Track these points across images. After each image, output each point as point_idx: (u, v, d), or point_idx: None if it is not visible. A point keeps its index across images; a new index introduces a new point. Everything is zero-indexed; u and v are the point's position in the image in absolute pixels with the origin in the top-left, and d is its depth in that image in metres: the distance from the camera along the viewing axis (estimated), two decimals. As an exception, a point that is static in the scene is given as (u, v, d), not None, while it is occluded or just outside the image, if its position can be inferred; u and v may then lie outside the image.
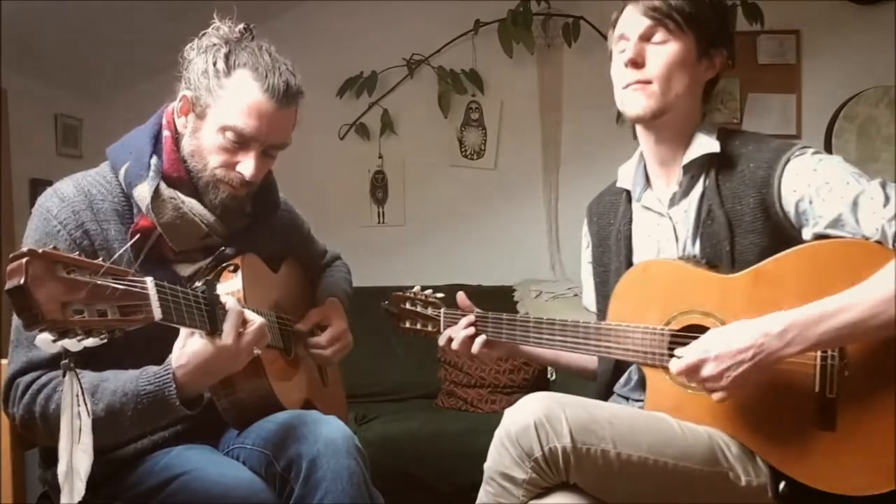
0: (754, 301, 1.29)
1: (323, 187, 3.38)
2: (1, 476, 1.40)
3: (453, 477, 2.44)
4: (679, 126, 1.43)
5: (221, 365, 1.26)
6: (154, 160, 1.40)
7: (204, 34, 1.43)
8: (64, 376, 1.04)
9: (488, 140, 3.46)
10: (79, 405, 1.05)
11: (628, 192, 1.53)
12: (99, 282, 0.98)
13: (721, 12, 1.45)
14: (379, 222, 3.53)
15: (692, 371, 1.25)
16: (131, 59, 3.30)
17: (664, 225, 1.46)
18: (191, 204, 1.41)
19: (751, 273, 1.31)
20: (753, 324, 1.23)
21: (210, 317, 1.22)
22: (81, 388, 1.06)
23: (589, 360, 1.61)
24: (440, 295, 1.68)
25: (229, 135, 1.38)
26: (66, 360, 1.00)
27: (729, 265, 1.35)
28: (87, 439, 1.05)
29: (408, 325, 1.71)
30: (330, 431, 1.33)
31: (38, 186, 3.05)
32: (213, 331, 1.23)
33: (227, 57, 1.38)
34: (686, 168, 1.42)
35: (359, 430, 2.53)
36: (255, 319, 1.28)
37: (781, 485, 1.28)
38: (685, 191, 1.44)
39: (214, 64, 1.38)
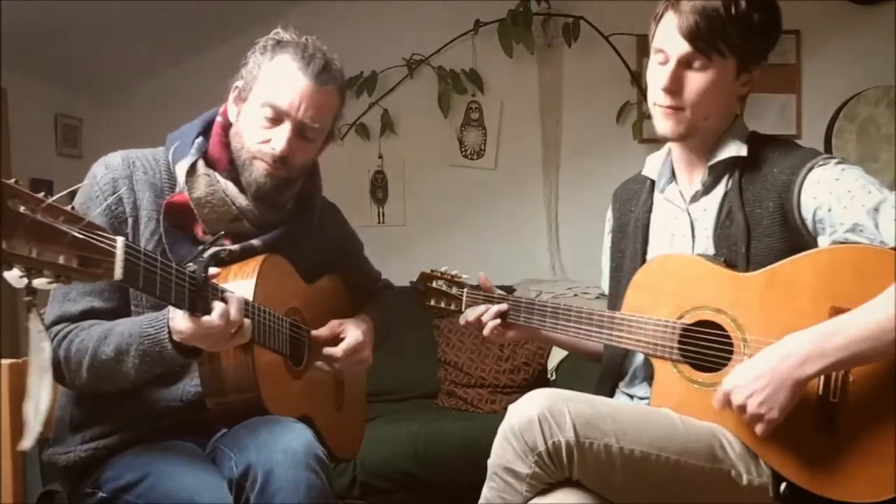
0: (767, 301, 1.30)
1: (323, 187, 3.37)
2: (1, 476, 1.40)
3: (453, 477, 2.44)
4: (708, 135, 1.43)
5: (199, 341, 1.27)
6: (199, 140, 1.48)
7: (262, 39, 1.51)
8: (29, 312, 1.03)
9: (488, 140, 3.46)
10: (42, 341, 1.05)
11: (653, 182, 1.54)
12: (57, 225, 0.99)
13: (767, 29, 1.40)
14: (379, 222, 3.53)
15: (725, 404, 1.27)
16: (131, 60, 3.30)
17: (682, 220, 1.47)
18: (225, 184, 1.46)
19: (766, 273, 1.31)
20: (771, 350, 1.23)
21: (192, 298, 1.23)
22: (44, 326, 1.06)
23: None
24: (466, 276, 1.71)
25: (265, 110, 1.42)
26: (28, 298, 1.01)
27: (744, 267, 1.35)
28: (48, 375, 1.06)
29: (433, 302, 1.73)
30: (291, 441, 1.29)
31: (38, 186, 3.03)
32: (192, 311, 1.24)
33: (273, 47, 1.47)
34: (711, 169, 1.43)
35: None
36: (236, 299, 1.29)
37: (782, 486, 1.28)
38: (707, 189, 1.45)
39: (262, 53, 1.47)
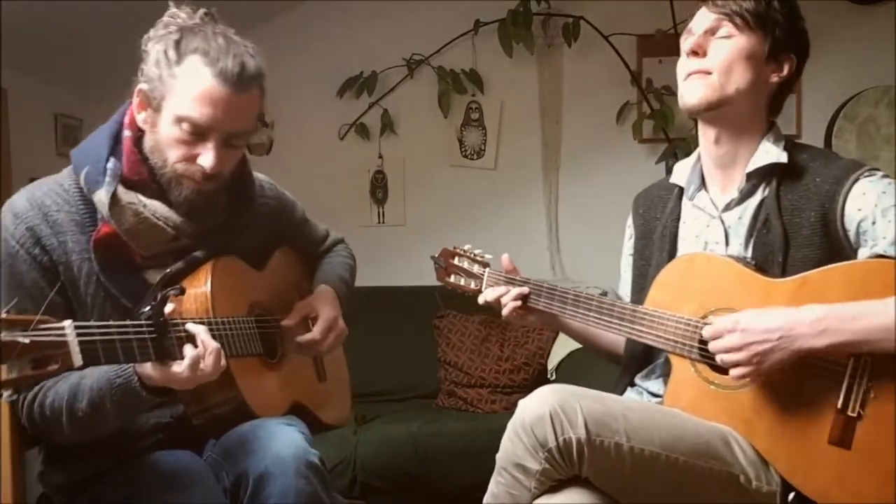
0: None
1: (323, 187, 3.37)
2: (1, 476, 1.39)
3: (453, 477, 2.44)
4: (739, 127, 1.41)
5: (172, 385, 1.24)
6: (111, 163, 1.35)
7: (159, 22, 1.34)
8: None
9: (488, 140, 3.46)
10: None
11: (680, 190, 1.52)
12: (6, 339, 0.92)
13: (794, 16, 1.41)
14: (379, 222, 3.52)
15: (716, 336, 1.26)
16: (131, 60, 3.28)
17: (714, 227, 1.45)
18: (153, 207, 1.34)
19: (797, 280, 1.30)
20: (789, 309, 1.23)
21: (156, 345, 1.18)
22: None
23: (622, 345, 1.58)
24: (489, 256, 1.71)
25: (185, 126, 1.30)
26: None
27: (778, 275, 1.34)
28: None
29: (452, 279, 1.73)
30: (281, 448, 1.28)
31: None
32: (162, 359, 1.20)
33: (177, 44, 1.30)
34: (749, 176, 1.41)
35: (359, 430, 2.53)
36: (210, 345, 1.24)
37: (791, 496, 1.27)
38: (743, 197, 1.42)
39: (166, 52, 1.30)
